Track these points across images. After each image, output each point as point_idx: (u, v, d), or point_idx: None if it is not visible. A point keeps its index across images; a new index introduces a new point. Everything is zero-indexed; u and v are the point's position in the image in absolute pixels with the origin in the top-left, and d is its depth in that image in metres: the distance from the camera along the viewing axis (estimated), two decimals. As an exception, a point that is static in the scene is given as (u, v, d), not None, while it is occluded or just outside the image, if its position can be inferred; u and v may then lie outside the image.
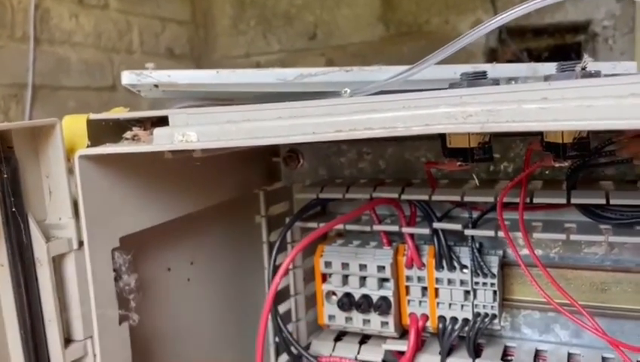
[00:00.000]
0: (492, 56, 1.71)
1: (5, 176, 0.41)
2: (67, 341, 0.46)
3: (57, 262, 0.45)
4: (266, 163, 0.69)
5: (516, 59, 1.72)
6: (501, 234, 0.53)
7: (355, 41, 1.92)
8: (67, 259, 0.45)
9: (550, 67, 0.48)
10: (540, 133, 0.43)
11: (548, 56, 1.71)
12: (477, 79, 0.41)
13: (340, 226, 0.61)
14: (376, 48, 1.88)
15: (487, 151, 0.43)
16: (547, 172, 0.56)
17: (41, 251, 0.44)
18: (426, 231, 0.58)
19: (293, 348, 0.60)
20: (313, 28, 2.00)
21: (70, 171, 0.45)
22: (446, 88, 0.42)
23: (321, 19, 1.97)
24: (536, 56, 1.73)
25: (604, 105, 0.28)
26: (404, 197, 0.57)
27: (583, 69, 0.38)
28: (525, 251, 0.55)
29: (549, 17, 1.68)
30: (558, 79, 0.38)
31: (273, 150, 0.69)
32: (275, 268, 0.59)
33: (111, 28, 1.73)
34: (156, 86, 0.47)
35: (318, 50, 1.97)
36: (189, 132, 0.40)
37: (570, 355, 0.56)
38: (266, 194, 0.69)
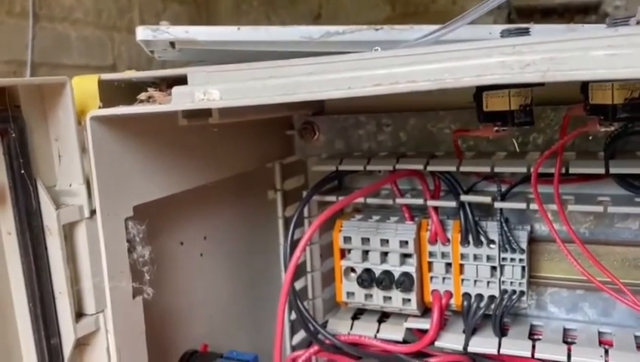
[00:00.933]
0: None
1: (12, 135, 0.38)
2: (78, 315, 0.43)
3: (68, 231, 0.43)
4: (281, 135, 0.66)
5: (525, 40, 1.69)
6: (533, 206, 0.51)
7: (361, 22, 1.88)
8: (78, 228, 0.43)
9: (591, 28, 0.45)
10: (585, 97, 0.40)
11: (558, 38, 1.68)
12: (521, 35, 0.38)
13: (359, 201, 0.59)
14: (382, 29, 1.84)
15: (529, 115, 0.40)
16: (590, 138, 0.53)
17: (50, 219, 0.41)
18: (452, 204, 0.55)
19: (310, 326, 0.57)
20: (317, 8, 1.96)
21: (81, 135, 0.42)
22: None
23: (325, -2, 1.93)
24: (545, 38, 1.70)
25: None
26: (429, 168, 0.54)
27: (639, 22, 0.35)
28: (557, 226, 0.52)
29: (560, -3, 1.65)
30: (612, 33, 0.35)
31: (288, 122, 0.67)
32: (293, 244, 0.56)
33: (111, 6, 1.69)
34: (172, 45, 0.44)
35: (322, 30, 1.93)
36: (211, 90, 0.37)
37: (600, 334, 0.54)
38: (281, 167, 0.66)
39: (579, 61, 0.27)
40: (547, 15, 1.70)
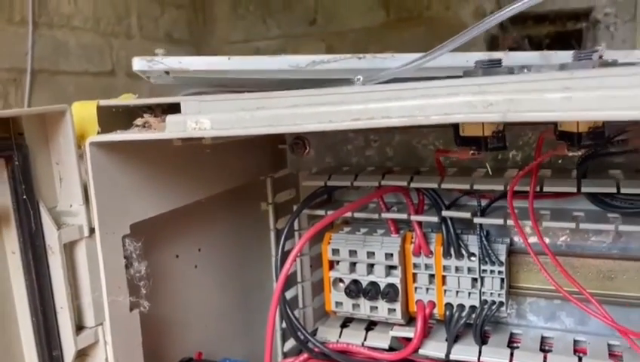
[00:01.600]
0: (493, 43, 1.70)
1: (16, 162, 0.41)
2: (79, 328, 0.46)
3: (68, 249, 0.45)
4: (273, 150, 0.69)
5: (517, 46, 1.71)
6: (510, 222, 0.54)
7: (356, 27, 1.90)
8: (78, 246, 0.45)
9: (563, 55, 0.47)
10: (555, 123, 0.43)
11: (549, 44, 1.70)
12: (492, 67, 0.41)
13: (347, 214, 0.61)
14: (377, 34, 1.87)
15: (501, 140, 0.43)
16: (560, 161, 0.56)
17: (52, 238, 0.43)
18: (435, 219, 0.58)
19: (300, 334, 0.60)
20: (313, 13, 1.98)
21: (80, 158, 0.45)
22: (460, 76, 0.41)
23: (321, 3, 1.96)
24: (537, 43, 1.72)
25: (628, 95, 0.28)
26: (413, 185, 0.57)
27: (601, 57, 0.38)
28: (533, 239, 0.55)
29: (551, 4, 1.67)
30: (575, 68, 0.38)
31: (280, 137, 0.69)
32: (284, 255, 0.59)
33: (110, 12, 1.71)
34: (167, 72, 0.46)
35: (318, 35, 1.96)
36: (203, 119, 0.40)
37: (576, 342, 0.57)
38: (273, 181, 0.68)
39: (536, 103, 0.30)
40: (539, 22, 1.72)
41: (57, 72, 1.55)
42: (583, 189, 0.50)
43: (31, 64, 1.48)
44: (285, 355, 0.68)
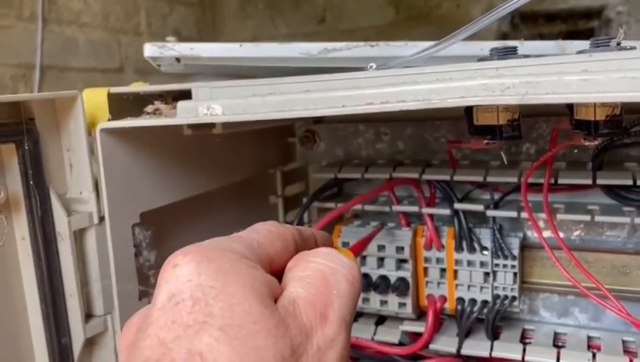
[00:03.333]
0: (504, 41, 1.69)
1: (27, 147, 0.41)
2: (88, 316, 0.46)
3: (78, 237, 0.45)
4: (282, 143, 0.69)
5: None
6: (523, 215, 0.53)
7: (365, 25, 1.90)
8: (88, 234, 0.45)
9: (578, 44, 0.47)
10: (571, 112, 0.42)
11: (560, 42, 1.69)
12: (508, 54, 0.40)
13: (357, 207, 0.61)
14: (386, 32, 1.86)
15: (517, 129, 0.42)
16: (575, 151, 0.55)
17: (62, 225, 0.43)
18: (447, 212, 0.57)
19: (309, 328, 0.60)
20: (322, 11, 1.98)
21: (91, 145, 0.45)
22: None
23: (330, 2, 1.95)
24: (548, 42, 1.70)
25: (650, 76, 0.27)
26: (424, 177, 0.56)
27: (619, 44, 0.37)
28: (547, 233, 0.54)
29: (563, 2, 1.66)
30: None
31: (289, 130, 0.69)
32: (293, 248, 0.58)
33: (118, 9, 1.71)
34: (178, 60, 0.46)
35: (326, 34, 1.95)
36: (214, 105, 0.40)
37: (589, 338, 0.56)
38: (282, 174, 0.68)
39: (554, 85, 0.29)
40: (551, 20, 1.71)
41: (66, 68, 1.56)
42: (599, 181, 0.49)
43: (40, 60, 1.48)
44: (294, 349, 0.67)
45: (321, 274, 0.26)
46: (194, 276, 0.23)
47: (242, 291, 0.23)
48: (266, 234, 0.29)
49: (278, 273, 0.28)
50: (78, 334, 0.45)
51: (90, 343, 0.46)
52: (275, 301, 0.25)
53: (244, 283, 0.24)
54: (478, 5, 1.72)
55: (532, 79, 0.30)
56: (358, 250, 0.50)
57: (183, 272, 0.24)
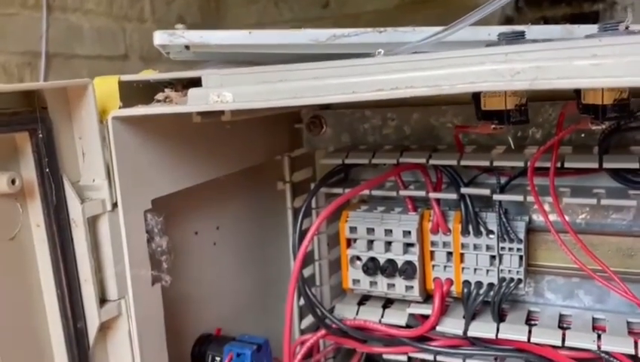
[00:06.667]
0: (508, 25, 1.68)
1: (40, 135, 0.41)
2: (102, 301, 0.47)
3: (91, 223, 0.46)
4: (289, 129, 0.69)
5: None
6: (529, 199, 0.53)
7: (369, 9, 1.89)
8: (101, 220, 0.46)
9: (586, 29, 0.47)
10: (578, 96, 0.43)
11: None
12: (516, 39, 0.40)
13: (364, 192, 0.61)
14: (391, 17, 1.85)
15: (524, 114, 0.43)
16: (582, 135, 0.55)
17: (76, 212, 0.44)
18: (453, 196, 0.57)
19: (317, 311, 0.61)
20: (326, -4, 1.97)
21: (102, 133, 0.45)
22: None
23: (334, -14, 1.94)
24: (552, 26, 1.69)
25: (659, 60, 0.28)
26: (431, 162, 0.57)
27: (627, 27, 0.37)
28: (553, 217, 0.55)
29: (568, -15, 1.65)
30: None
31: (296, 116, 0.69)
32: (302, 234, 0.59)
33: (122, -5, 1.71)
34: (187, 47, 0.46)
35: (330, 18, 1.94)
36: (225, 92, 0.40)
37: (594, 320, 0.56)
38: (290, 160, 0.69)
39: (564, 70, 0.30)
40: (555, 3, 1.69)
41: (72, 55, 1.56)
42: (605, 165, 0.50)
43: (45, 48, 1.48)
44: (302, 332, 0.68)
45: None
46: None
47: None
48: None
49: None
50: (93, 318, 0.46)
51: (105, 327, 0.47)
52: None
53: None
54: (483, -11, 1.70)
55: (542, 64, 0.30)
56: None
57: None
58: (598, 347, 0.51)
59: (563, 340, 0.53)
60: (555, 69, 0.30)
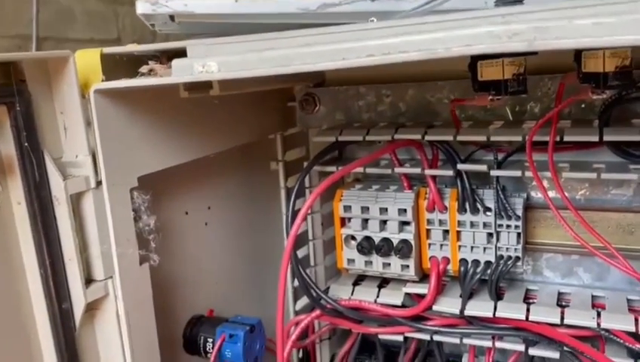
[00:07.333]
0: None
1: (19, 108, 0.39)
2: (88, 281, 0.45)
3: (75, 201, 0.44)
4: (282, 107, 0.67)
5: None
6: (528, 174, 0.52)
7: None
8: (85, 198, 0.44)
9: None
10: (579, 65, 0.41)
11: None
12: (513, 4, 0.38)
13: (359, 170, 0.60)
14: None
15: (522, 83, 0.41)
16: (582, 106, 0.53)
17: (58, 189, 0.43)
18: (450, 173, 0.56)
19: (312, 292, 0.59)
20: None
21: (85, 108, 0.44)
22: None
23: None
24: None
25: (664, 16, 0.26)
26: (427, 138, 0.55)
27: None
28: (552, 193, 0.54)
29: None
30: None
31: (289, 94, 0.67)
32: (295, 213, 0.58)
33: (114, -23, 1.68)
34: (172, 18, 0.44)
35: None
36: (210, 62, 0.38)
37: (594, 297, 0.55)
38: (283, 138, 0.67)
39: (564, 30, 0.28)
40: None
41: (63, 39, 1.53)
42: (605, 138, 0.48)
43: (36, 31, 1.46)
44: (297, 314, 0.67)
45: None
46: None
47: None
48: None
49: None
50: (78, 299, 0.44)
51: (92, 308, 0.46)
52: None
53: None
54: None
55: (541, 24, 0.29)
56: None
57: None
58: (598, 324, 0.50)
59: (562, 318, 0.52)
60: (554, 29, 0.28)
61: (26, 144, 0.40)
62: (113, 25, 1.69)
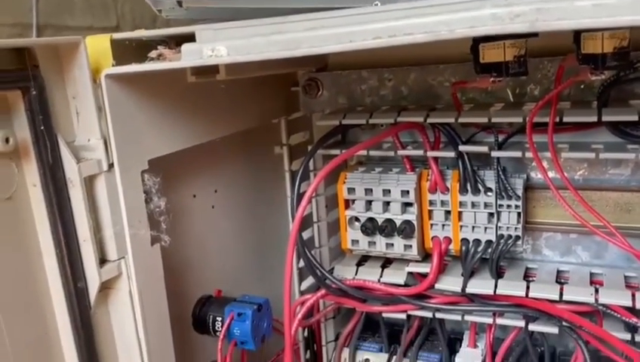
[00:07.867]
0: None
1: (33, 93, 0.41)
2: (102, 261, 0.47)
3: (88, 183, 0.45)
4: (286, 92, 0.68)
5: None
6: (528, 155, 0.53)
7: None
8: (98, 181, 0.46)
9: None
10: (578, 46, 0.42)
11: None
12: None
13: (362, 153, 0.61)
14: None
15: (523, 65, 0.42)
16: (582, 87, 0.54)
17: (72, 172, 0.44)
18: (451, 154, 0.57)
19: (317, 272, 0.61)
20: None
21: (96, 92, 0.45)
22: None
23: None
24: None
25: (662, -3, 0.27)
26: (429, 120, 0.56)
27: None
28: (551, 174, 0.55)
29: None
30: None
31: (292, 79, 0.68)
32: (300, 196, 0.59)
33: (112, -36, 1.67)
34: (179, 4, 0.45)
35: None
36: (219, 46, 0.39)
37: (592, 274, 0.57)
38: (287, 123, 0.68)
39: (565, 11, 0.29)
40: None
41: (63, 27, 1.53)
42: (604, 118, 0.49)
43: (36, 19, 1.46)
44: (303, 294, 0.69)
45: None
46: None
47: None
48: None
49: None
50: (93, 278, 0.46)
51: (106, 287, 0.48)
52: None
53: None
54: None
55: (542, 6, 0.30)
56: None
57: None
58: (596, 300, 0.52)
59: (561, 294, 0.54)
60: (555, 10, 0.30)
61: (42, 128, 0.41)
62: (112, 12, 1.69)
